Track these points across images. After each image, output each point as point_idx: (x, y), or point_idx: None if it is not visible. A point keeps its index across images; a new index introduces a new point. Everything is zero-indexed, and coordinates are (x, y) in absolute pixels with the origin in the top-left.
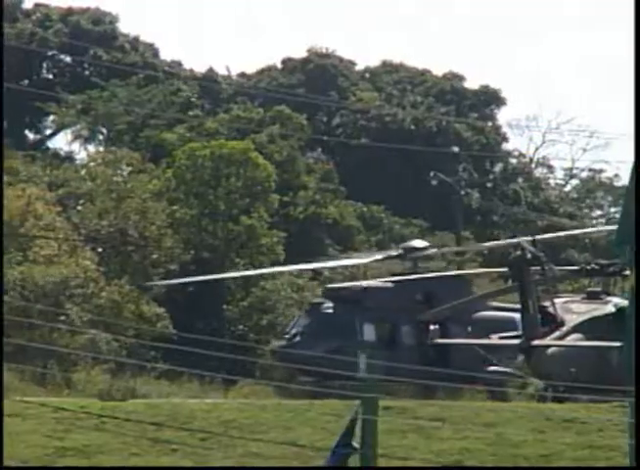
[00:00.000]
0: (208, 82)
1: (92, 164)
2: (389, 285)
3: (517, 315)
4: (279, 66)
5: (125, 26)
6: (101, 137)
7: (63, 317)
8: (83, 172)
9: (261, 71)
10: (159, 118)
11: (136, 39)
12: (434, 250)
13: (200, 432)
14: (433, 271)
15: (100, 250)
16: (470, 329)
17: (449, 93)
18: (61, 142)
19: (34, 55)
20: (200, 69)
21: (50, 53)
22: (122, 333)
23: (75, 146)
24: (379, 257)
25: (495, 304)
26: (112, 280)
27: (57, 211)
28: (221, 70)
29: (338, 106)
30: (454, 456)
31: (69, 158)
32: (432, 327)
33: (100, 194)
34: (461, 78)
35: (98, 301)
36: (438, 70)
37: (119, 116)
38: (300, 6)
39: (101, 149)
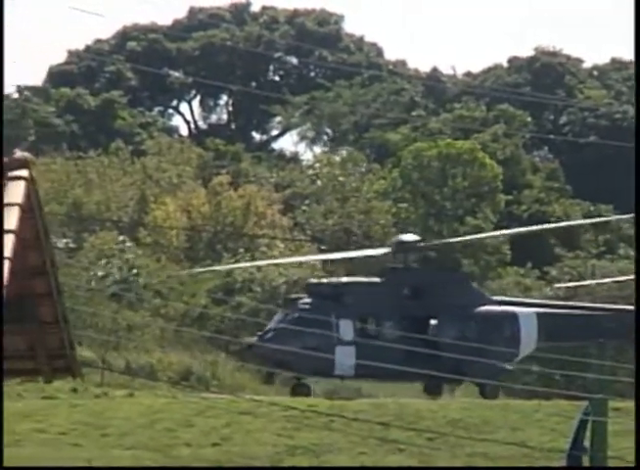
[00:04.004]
0: (433, 82)
1: (317, 164)
2: (373, 280)
3: (519, 310)
4: (505, 64)
5: (350, 27)
6: (325, 138)
7: None
8: (310, 173)
9: (487, 70)
10: (382, 118)
11: (361, 39)
12: (425, 244)
13: (427, 431)
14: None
15: (325, 249)
16: (473, 324)
17: None
18: (286, 143)
19: (261, 57)
20: (424, 68)
21: (276, 55)
22: None
23: (301, 147)
24: (371, 252)
25: (498, 298)
26: None
27: (280, 211)
28: (446, 70)
29: (565, 104)
30: None
31: (294, 159)
32: (432, 322)
33: (327, 194)
34: None
35: None
36: None
37: (344, 116)
38: (528, 4)
39: (326, 149)
